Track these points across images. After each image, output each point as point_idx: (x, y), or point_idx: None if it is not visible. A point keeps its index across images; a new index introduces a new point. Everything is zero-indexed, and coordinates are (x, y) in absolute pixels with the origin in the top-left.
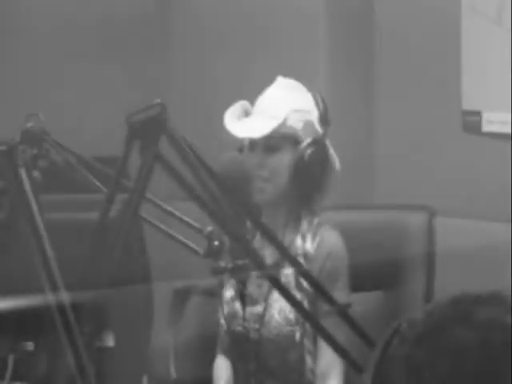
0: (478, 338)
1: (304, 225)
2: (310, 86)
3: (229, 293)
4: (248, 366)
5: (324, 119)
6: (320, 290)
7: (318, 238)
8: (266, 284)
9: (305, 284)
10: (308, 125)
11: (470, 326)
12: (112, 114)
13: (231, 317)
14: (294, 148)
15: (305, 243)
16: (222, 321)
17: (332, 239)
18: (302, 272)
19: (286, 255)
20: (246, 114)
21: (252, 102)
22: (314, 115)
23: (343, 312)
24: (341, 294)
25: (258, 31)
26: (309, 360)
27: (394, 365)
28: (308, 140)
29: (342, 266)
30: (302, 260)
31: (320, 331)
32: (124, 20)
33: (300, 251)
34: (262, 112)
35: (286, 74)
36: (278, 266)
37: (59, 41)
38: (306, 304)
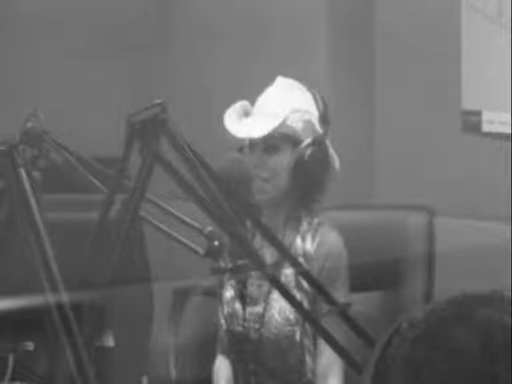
0: (477, 339)
1: (304, 225)
2: (310, 85)
3: (229, 293)
4: (248, 366)
5: (324, 119)
6: (320, 290)
7: (317, 239)
8: (266, 284)
9: (304, 284)
10: (308, 125)
11: (470, 327)
12: (112, 114)
13: (231, 317)
14: (293, 148)
15: (305, 243)
16: (222, 321)
17: (332, 239)
18: (301, 272)
19: (286, 255)
20: (246, 114)
21: (252, 102)
22: (314, 115)
23: (343, 312)
24: (339, 294)
25: (259, 31)
26: (309, 360)
27: (393, 364)
28: (308, 140)
29: (341, 266)
30: (301, 260)
31: (320, 331)
32: (124, 21)
33: (300, 251)
34: (261, 112)
35: (286, 74)
36: (277, 265)
37: (59, 41)
38: (305, 304)
